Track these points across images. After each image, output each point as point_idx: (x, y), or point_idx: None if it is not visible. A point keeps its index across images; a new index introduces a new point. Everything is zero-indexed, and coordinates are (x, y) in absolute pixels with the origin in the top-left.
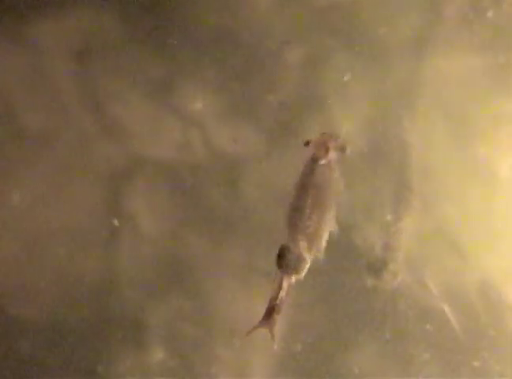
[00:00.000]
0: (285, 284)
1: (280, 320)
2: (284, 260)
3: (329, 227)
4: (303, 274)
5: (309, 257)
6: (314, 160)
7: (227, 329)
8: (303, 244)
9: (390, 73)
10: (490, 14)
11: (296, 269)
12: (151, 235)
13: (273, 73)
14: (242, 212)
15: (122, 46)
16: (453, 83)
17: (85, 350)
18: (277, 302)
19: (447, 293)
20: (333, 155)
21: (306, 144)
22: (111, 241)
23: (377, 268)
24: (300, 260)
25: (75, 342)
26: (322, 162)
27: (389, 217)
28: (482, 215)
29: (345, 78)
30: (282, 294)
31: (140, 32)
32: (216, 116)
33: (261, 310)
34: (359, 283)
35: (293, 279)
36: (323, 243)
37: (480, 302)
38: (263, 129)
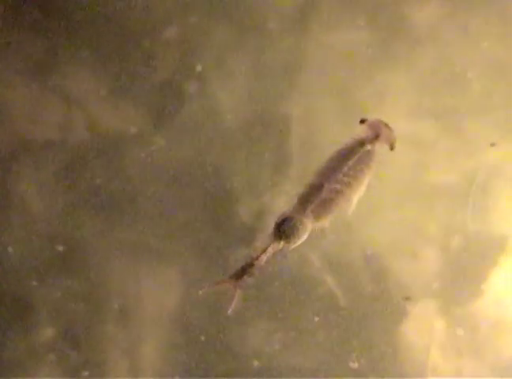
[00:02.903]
0: (270, 249)
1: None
2: (281, 225)
3: (340, 212)
4: (293, 246)
5: (308, 230)
6: (361, 142)
7: (117, 308)
8: (309, 216)
9: (272, 47)
10: None
11: (289, 238)
12: (40, 216)
13: (151, 51)
14: (130, 191)
15: None
16: (337, 56)
17: None
18: (255, 264)
19: (331, 265)
20: (380, 145)
21: (362, 122)
22: (0, 222)
23: (250, 238)
24: (298, 231)
25: None
26: (368, 148)
27: (267, 189)
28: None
29: (226, 53)
30: (263, 258)
31: (18, 14)
32: (96, 95)
33: (151, 289)
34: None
35: (281, 246)
36: (327, 224)
37: (364, 273)
38: (145, 107)
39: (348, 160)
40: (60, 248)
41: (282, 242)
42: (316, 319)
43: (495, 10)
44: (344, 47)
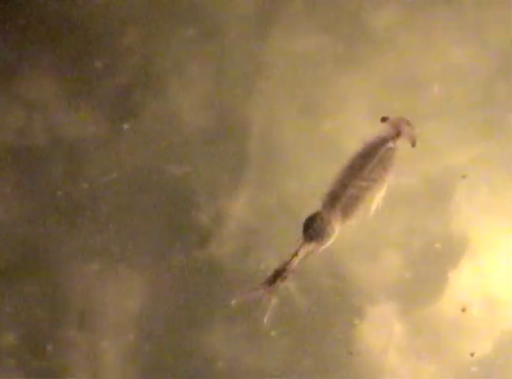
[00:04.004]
0: (302, 251)
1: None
2: (310, 225)
3: (366, 208)
4: (324, 246)
5: (337, 229)
6: (382, 140)
7: (79, 313)
8: (336, 216)
9: (232, 52)
10: None
11: (319, 238)
12: (0, 221)
13: (112, 56)
14: (91, 195)
15: None
16: (297, 61)
17: None
18: (287, 268)
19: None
20: (402, 142)
21: (383, 120)
22: None
23: (206, 240)
24: (328, 229)
25: None
26: (390, 145)
27: (226, 192)
28: (322, 188)
29: (186, 58)
30: (295, 261)
31: None
32: (57, 100)
33: (113, 294)
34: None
35: (312, 248)
36: (354, 221)
37: (325, 277)
38: (105, 112)
39: (372, 158)
40: (21, 253)
41: (312, 244)
42: (275, 322)
43: (454, 15)
44: (304, 52)
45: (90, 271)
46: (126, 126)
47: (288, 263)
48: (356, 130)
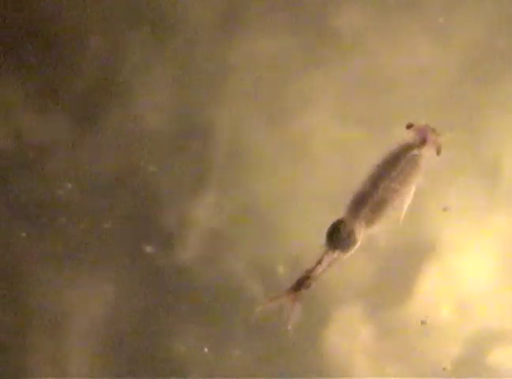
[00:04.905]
0: (326, 260)
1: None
2: (334, 233)
3: (390, 217)
4: (347, 254)
5: (360, 238)
6: (408, 147)
7: (46, 317)
8: (360, 224)
9: (196, 56)
10: None
11: (343, 246)
12: None
13: (76, 60)
14: (57, 200)
15: None
16: (262, 64)
17: None
18: (311, 276)
19: (256, 272)
20: (427, 150)
21: (409, 127)
22: None
23: (171, 244)
24: (351, 238)
25: None
26: (415, 152)
27: (191, 196)
28: (293, 193)
29: (150, 62)
30: (319, 269)
31: None
32: (21, 104)
33: (80, 298)
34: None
35: (336, 255)
36: (378, 230)
37: (289, 278)
38: (70, 116)
39: (396, 166)
40: None
41: (336, 252)
42: (242, 324)
43: (419, 17)
44: (269, 55)
45: (55, 275)
46: (90, 130)
47: (311, 271)
48: (323, 131)
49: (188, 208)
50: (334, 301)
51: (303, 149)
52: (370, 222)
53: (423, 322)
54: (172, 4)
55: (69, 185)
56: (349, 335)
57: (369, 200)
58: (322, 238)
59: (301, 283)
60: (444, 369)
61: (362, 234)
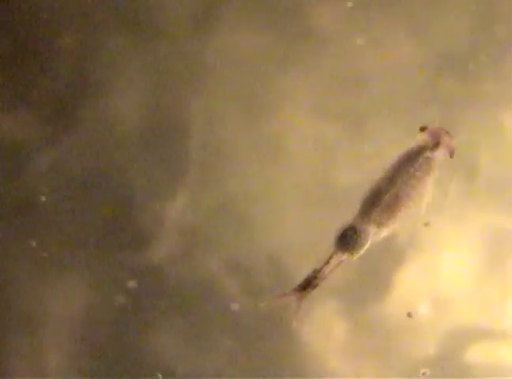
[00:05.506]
0: (333, 261)
1: None
2: (343, 236)
3: (400, 221)
4: (355, 256)
5: (370, 240)
6: (421, 150)
7: (20, 315)
8: (371, 227)
9: (172, 53)
10: None
11: (351, 249)
12: None
13: (49, 59)
14: (30, 199)
15: None
16: (239, 60)
17: None
18: (318, 276)
19: (232, 269)
20: (440, 153)
21: (422, 129)
22: None
23: (147, 242)
24: (361, 240)
25: None
26: (428, 155)
27: (167, 194)
28: (268, 191)
29: (125, 59)
30: (326, 269)
31: None
32: None
33: (54, 296)
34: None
35: (344, 257)
36: (388, 232)
37: (265, 276)
38: (44, 116)
39: (409, 168)
40: None
41: (345, 254)
42: (217, 322)
43: (395, 14)
44: (245, 52)
45: (31, 276)
46: (64, 128)
47: (319, 271)
48: (299, 127)
49: (164, 206)
50: (309, 298)
51: (279, 146)
52: (381, 224)
53: (409, 315)
54: (147, 1)
55: (43, 186)
56: (325, 332)
57: (381, 202)
58: (329, 238)
59: (308, 283)
60: (423, 374)
61: (372, 236)
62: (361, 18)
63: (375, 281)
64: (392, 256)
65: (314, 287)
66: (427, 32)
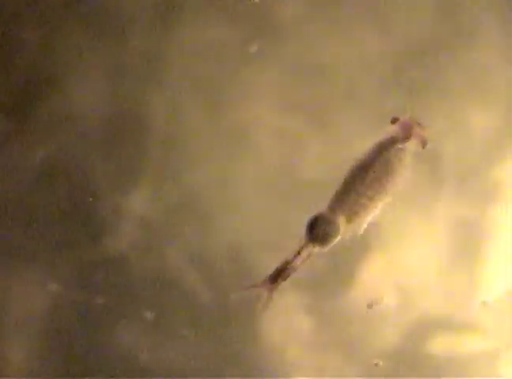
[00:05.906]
0: (304, 252)
1: None
2: (314, 227)
3: (374, 212)
4: (326, 248)
5: (341, 231)
6: (392, 141)
7: None
8: (342, 218)
9: (133, 48)
10: None
11: (322, 241)
12: None
13: (8, 53)
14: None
15: None
16: (201, 55)
17: None
18: (289, 267)
19: (193, 261)
20: (412, 144)
21: (393, 121)
22: None
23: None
24: (331, 233)
25: None
26: (400, 146)
27: (126, 187)
28: (231, 182)
29: (85, 54)
30: (297, 261)
31: None
32: None
33: (16, 290)
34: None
35: (315, 249)
36: (362, 225)
37: (227, 268)
38: (3, 109)
39: (381, 159)
40: None
41: (316, 245)
42: (180, 316)
43: (360, 4)
44: (207, 45)
45: (8, 273)
46: (25, 123)
47: (289, 262)
48: (262, 120)
49: (124, 198)
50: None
51: (242, 138)
52: (351, 216)
53: (369, 306)
54: None
55: (5, 179)
56: (287, 325)
57: (351, 194)
58: (301, 230)
59: (279, 274)
60: (376, 364)
61: (343, 228)
62: (323, 9)
63: (339, 273)
64: (356, 247)
65: (285, 278)
66: (390, 23)
